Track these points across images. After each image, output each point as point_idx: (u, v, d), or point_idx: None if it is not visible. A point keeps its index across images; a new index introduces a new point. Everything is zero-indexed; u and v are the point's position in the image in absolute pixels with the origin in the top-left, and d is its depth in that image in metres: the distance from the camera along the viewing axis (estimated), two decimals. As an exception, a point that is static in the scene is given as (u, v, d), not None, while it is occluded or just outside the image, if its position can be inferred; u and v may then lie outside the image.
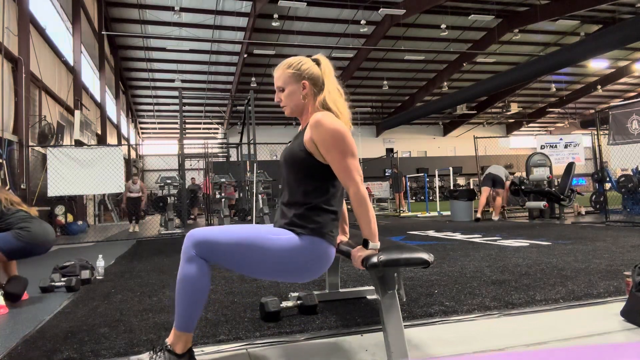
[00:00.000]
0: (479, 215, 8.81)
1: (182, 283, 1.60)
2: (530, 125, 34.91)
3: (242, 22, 17.62)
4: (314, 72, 1.73)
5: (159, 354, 1.62)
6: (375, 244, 1.59)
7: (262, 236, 1.62)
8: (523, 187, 8.91)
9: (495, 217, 8.92)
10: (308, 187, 1.66)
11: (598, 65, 25.05)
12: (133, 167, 21.20)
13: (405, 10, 15.73)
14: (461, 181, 26.33)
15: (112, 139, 19.82)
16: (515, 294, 2.56)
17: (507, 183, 9.09)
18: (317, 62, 1.77)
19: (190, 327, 1.63)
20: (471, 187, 19.48)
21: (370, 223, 1.59)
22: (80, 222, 10.74)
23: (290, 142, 1.81)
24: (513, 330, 2.01)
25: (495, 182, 8.96)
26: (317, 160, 1.63)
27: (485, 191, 9.01)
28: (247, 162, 12.84)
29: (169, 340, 1.64)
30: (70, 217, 10.68)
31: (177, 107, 16.26)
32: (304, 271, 1.65)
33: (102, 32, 15.84)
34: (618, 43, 12.59)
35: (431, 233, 6.77)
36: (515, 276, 3.06)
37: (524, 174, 8.93)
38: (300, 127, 1.86)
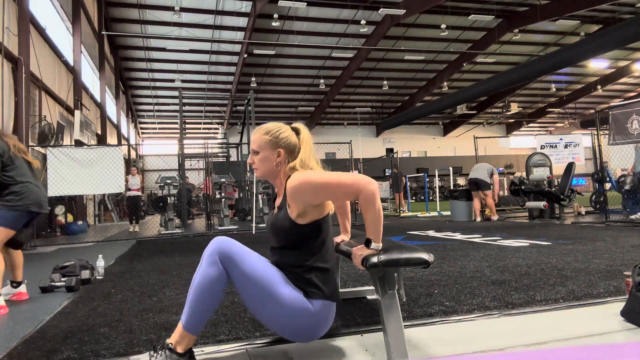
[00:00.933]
0: (478, 218, 8.82)
1: (201, 284, 1.60)
2: (530, 125, 34.93)
3: (242, 22, 17.62)
4: (291, 142, 1.74)
5: (159, 352, 1.62)
6: (378, 244, 1.59)
7: (280, 282, 1.62)
8: (523, 187, 8.91)
9: (494, 217, 8.90)
10: (299, 250, 1.68)
11: (598, 65, 25.06)
12: (133, 167, 21.18)
13: (405, 10, 15.74)
14: (461, 181, 26.34)
15: (112, 139, 19.83)
16: (515, 294, 2.56)
17: (495, 177, 8.97)
18: (297, 132, 1.77)
19: (198, 330, 1.64)
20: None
21: (377, 223, 1.58)
22: (80, 222, 10.74)
23: (273, 211, 1.81)
24: (513, 330, 2.01)
25: (478, 185, 8.89)
26: (302, 225, 1.64)
27: (475, 196, 8.98)
28: (247, 162, 12.82)
29: (170, 340, 1.64)
30: (70, 217, 10.69)
31: (177, 107, 16.27)
32: (311, 333, 1.67)
33: (102, 32, 15.85)
34: (618, 43, 12.59)
35: (431, 233, 6.77)
36: (515, 276, 3.06)
37: (524, 174, 8.92)
38: (277, 197, 1.83)
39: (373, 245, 1.59)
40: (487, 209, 9.03)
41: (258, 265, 1.63)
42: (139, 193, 10.67)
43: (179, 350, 1.61)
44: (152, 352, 1.64)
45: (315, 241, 1.68)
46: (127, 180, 9.95)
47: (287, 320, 1.61)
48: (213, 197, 12.02)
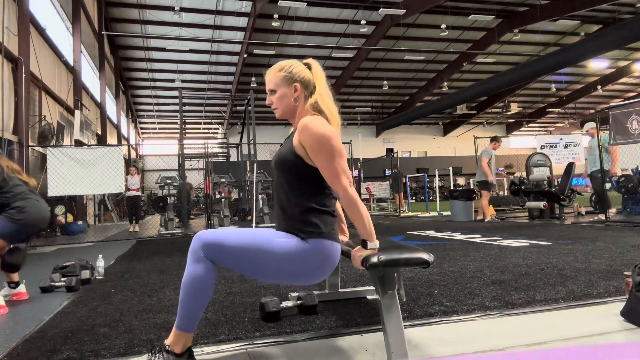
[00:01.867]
0: (488, 218, 8.59)
1: (188, 283, 1.61)
2: (530, 125, 34.94)
3: (242, 22, 17.63)
4: (305, 76, 1.74)
5: (157, 355, 1.62)
6: (374, 243, 1.60)
7: (269, 239, 1.63)
8: (523, 187, 8.90)
9: (487, 218, 8.62)
10: (300, 189, 1.67)
11: (598, 65, 25.06)
12: (132, 167, 21.18)
13: (405, 10, 15.74)
14: (461, 181, 26.35)
15: (112, 139, 19.83)
16: (515, 294, 2.55)
17: (484, 159, 8.57)
18: (309, 66, 1.78)
19: (192, 328, 1.64)
20: (471, 187, 19.48)
21: (365, 223, 1.59)
22: (80, 222, 10.74)
23: (281, 145, 1.82)
24: (513, 330, 2.01)
25: (479, 184, 8.76)
26: (307, 163, 1.64)
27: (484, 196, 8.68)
28: (247, 162, 12.85)
29: (167, 341, 1.64)
30: (70, 217, 10.69)
31: (177, 107, 16.28)
32: (313, 273, 1.67)
33: (102, 32, 15.85)
34: (618, 43, 12.60)
35: (431, 233, 6.77)
36: (515, 276, 3.06)
37: (524, 174, 8.91)
38: (291, 130, 1.87)
39: (370, 245, 1.60)
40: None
41: (241, 235, 1.63)
42: (139, 193, 10.67)
43: (176, 350, 1.61)
44: (149, 355, 1.64)
45: (317, 185, 1.67)
46: (126, 180, 9.94)
47: (289, 268, 1.61)
48: (213, 197, 12.03)
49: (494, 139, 8.84)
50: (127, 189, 10.21)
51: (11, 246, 3.11)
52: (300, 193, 1.67)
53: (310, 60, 1.80)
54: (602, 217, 7.34)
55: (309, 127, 1.60)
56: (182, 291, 1.62)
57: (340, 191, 1.60)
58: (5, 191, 3.03)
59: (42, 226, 3.17)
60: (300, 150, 1.64)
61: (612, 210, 7.88)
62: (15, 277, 3.20)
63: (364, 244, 1.61)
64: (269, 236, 1.65)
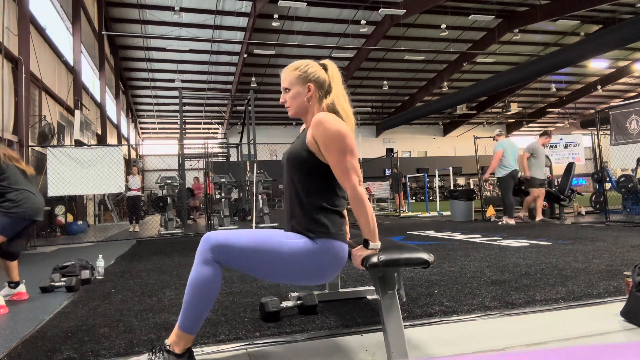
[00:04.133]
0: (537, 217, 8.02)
1: (195, 284, 1.60)
2: (530, 125, 34.93)
3: (242, 22, 17.63)
4: (320, 76, 1.74)
5: (157, 355, 1.62)
6: (376, 243, 1.60)
7: (277, 240, 1.63)
8: (523, 187, 8.88)
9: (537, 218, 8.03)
10: (312, 187, 1.67)
11: (598, 65, 25.06)
12: (133, 166, 21.17)
13: (405, 10, 15.74)
14: (461, 181, 26.34)
15: (112, 139, 19.83)
16: (515, 294, 2.55)
17: (525, 155, 7.86)
18: (325, 67, 1.78)
19: (194, 330, 1.63)
20: (471, 187, 19.49)
21: (370, 223, 1.60)
22: (80, 222, 10.75)
23: (293, 142, 1.82)
24: (513, 330, 2.01)
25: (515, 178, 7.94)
26: (319, 159, 1.64)
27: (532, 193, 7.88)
28: (247, 162, 12.85)
29: (168, 341, 1.64)
30: (70, 217, 10.69)
31: (177, 107, 16.28)
32: (321, 273, 1.67)
33: (102, 32, 15.85)
34: (618, 43, 12.59)
35: (431, 233, 6.77)
36: (515, 276, 3.06)
37: (527, 174, 8.86)
38: (302, 127, 1.87)
39: (371, 245, 1.60)
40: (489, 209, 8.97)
41: (250, 237, 1.63)
42: (139, 193, 10.68)
43: (177, 350, 1.61)
44: (150, 354, 1.64)
45: (327, 183, 1.67)
46: (127, 180, 9.96)
47: (298, 268, 1.61)
48: (213, 196, 12.04)
49: (543, 134, 8.05)
50: (128, 189, 10.22)
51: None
52: (312, 191, 1.67)
53: (327, 61, 1.80)
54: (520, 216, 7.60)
55: (323, 122, 1.61)
56: (188, 292, 1.61)
57: (349, 189, 1.60)
58: (2, 179, 3.01)
59: (38, 218, 3.12)
60: (313, 146, 1.64)
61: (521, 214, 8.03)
62: (16, 277, 3.20)
63: (365, 244, 1.61)
64: (277, 237, 1.65)
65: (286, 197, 1.76)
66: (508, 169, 7.69)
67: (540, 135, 8.18)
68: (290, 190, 1.73)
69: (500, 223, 7.82)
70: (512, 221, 7.61)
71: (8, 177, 3.03)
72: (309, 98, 1.73)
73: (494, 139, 8.26)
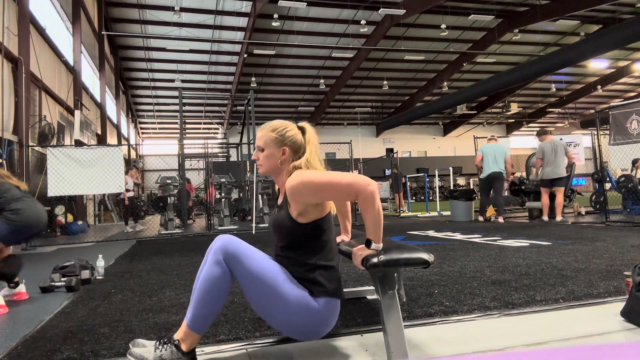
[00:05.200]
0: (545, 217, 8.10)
1: (205, 282, 1.59)
2: (530, 125, 34.95)
3: (242, 22, 17.63)
4: (296, 140, 1.74)
5: (165, 346, 1.62)
6: (378, 245, 1.59)
7: (286, 280, 1.61)
8: (523, 187, 8.90)
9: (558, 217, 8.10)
10: (301, 249, 1.67)
11: (598, 65, 25.07)
12: (133, 166, 21.18)
13: (405, 10, 15.75)
14: (461, 181, 26.35)
15: (112, 139, 19.83)
16: (515, 294, 2.55)
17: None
18: (303, 130, 1.78)
19: (202, 329, 1.63)
20: (471, 187, 19.49)
21: (376, 223, 1.57)
22: (80, 222, 10.75)
23: (275, 210, 1.82)
24: (513, 330, 2.01)
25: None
26: (303, 223, 1.64)
27: (544, 193, 7.90)
28: (247, 162, 12.85)
29: (177, 336, 1.64)
30: (70, 217, 10.69)
31: (177, 107, 16.28)
32: (318, 331, 1.67)
33: (102, 32, 15.85)
34: (618, 43, 12.60)
35: (431, 233, 6.77)
36: (515, 276, 3.06)
37: (524, 174, 8.91)
38: (279, 196, 1.85)
39: (373, 245, 1.59)
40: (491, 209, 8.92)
41: (263, 264, 1.62)
42: (132, 194, 10.61)
43: (184, 348, 1.61)
44: (157, 344, 1.64)
45: (317, 240, 1.67)
46: (126, 182, 9.97)
47: (292, 319, 1.60)
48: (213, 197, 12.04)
49: (539, 133, 8.14)
50: (127, 190, 10.22)
51: (7, 255, 3.12)
52: (302, 253, 1.67)
53: (305, 124, 1.80)
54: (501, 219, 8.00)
55: (295, 184, 1.60)
56: (198, 290, 1.60)
57: (358, 195, 1.55)
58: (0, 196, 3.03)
59: (40, 228, 3.15)
60: (295, 212, 1.64)
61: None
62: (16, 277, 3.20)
63: (367, 244, 1.60)
64: (284, 276, 1.62)
65: (278, 253, 1.74)
66: (485, 172, 8.20)
67: (538, 135, 8.20)
68: (281, 252, 1.72)
69: (480, 218, 8.43)
70: (481, 218, 8.37)
71: (4, 193, 3.05)
72: (282, 161, 1.73)
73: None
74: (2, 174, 3.18)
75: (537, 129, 34.79)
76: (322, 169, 1.74)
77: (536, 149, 8.05)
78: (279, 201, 1.80)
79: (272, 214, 1.85)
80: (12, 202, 3.02)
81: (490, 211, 9.10)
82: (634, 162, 8.60)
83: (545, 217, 7.88)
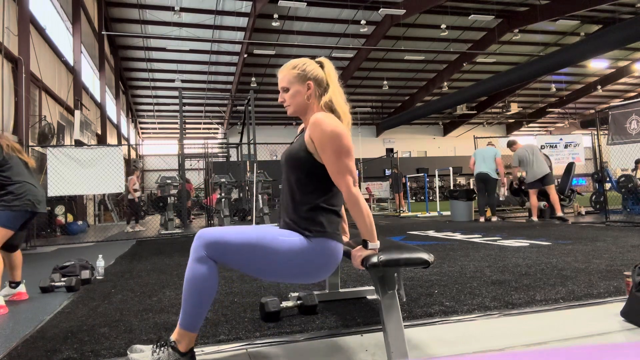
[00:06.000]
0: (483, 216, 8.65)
1: (190, 282, 1.60)
2: (530, 125, 34.95)
3: (242, 22, 17.63)
4: (318, 74, 1.75)
5: (162, 349, 1.62)
6: (375, 243, 1.59)
7: (273, 237, 1.62)
8: (523, 187, 8.89)
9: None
10: (309, 187, 1.67)
11: (598, 65, 25.06)
12: (133, 166, 21.19)
13: (405, 10, 15.74)
14: (461, 181, 26.34)
15: (112, 139, 19.83)
16: (515, 294, 2.55)
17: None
18: (321, 65, 1.79)
19: (195, 327, 1.63)
20: (471, 187, 19.48)
21: (367, 223, 1.60)
22: (80, 222, 10.74)
23: (292, 142, 1.82)
24: (513, 330, 2.01)
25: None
26: (317, 160, 1.65)
27: (533, 194, 8.06)
28: (247, 162, 12.84)
29: (173, 337, 1.64)
30: (70, 217, 10.69)
31: (177, 107, 16.28)
32: (316, 272, 1.67)
33: (102, 32, 15.85)
34: (618, 43, 12.58)
35: (431, 233, 6.77)
36: (515, 276, 3.06)
37: (524, 174, 8.89)
38: (300, 127, 1.87)
39: (370, 245, 1.60)
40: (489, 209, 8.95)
41: (245, 232, 1.62)
42: (138, 194, 10.81)
43: (181, 349, 1.61)
44: (154, 348, 1.64)
45: (326, 182, 1.67)
46: (134, 182, 10.24)
47: (291, 267, 1.61)
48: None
49: (509, 145, 8.56)
50: (135, 190, 10.48)
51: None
52: (309, 191, 1.67)
53: (322, 59, 1.81)
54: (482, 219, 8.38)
55: (320, 122, 1.61)
56: (185, 290, 1.61)
57: (343, 188, 1.61)
58: (4, 170, 3.00)
59: (40, 210, 3.12)
60: (310, 146, 1.64)
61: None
62: (18, 277, 3.20)
63: (364, 244, 1.61)
64: (272, 234, 1.64)
65: (283, 193, 1.76)
66: (475, 173, 8.68)
67: (509, 146, 8.58)
68: (287, 188, 1.73)
69: (481, 219, 8.67)
70: (482, 219, 8.68)
71: (11, 168, 3.03)
72: (308, 96, 1.73)
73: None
74: (14, 147, 3.14)
75: (537, 128, 34.50)
76: (345, 104, 1.76)
77: (512, 159, 8.39)
78: (299, 136, 1.79)
79: (287, 147, 1.84)
80: (13, 182, 2.99)
81: (489, 211, 9.12)
82: (637, 162, 8.62)
83: (534, 218, 8.01)
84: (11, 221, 2.96)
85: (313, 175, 1.67)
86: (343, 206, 2.19)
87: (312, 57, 1.83)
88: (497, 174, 8.56)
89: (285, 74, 1.76)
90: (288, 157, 1.73)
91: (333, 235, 1.66)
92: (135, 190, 10.60)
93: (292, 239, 1.62)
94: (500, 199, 9.25)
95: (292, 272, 1.63)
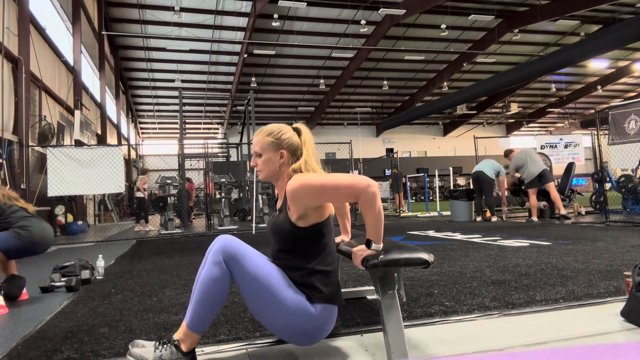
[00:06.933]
0: (480, 217, 8.76)
1: (205, 284, 1.59)
2: (530, 125, 34.97)
3: (242, 22, 17.63)
4: (292, 142, 1.73)
5: (165, 346, 1.62)
6: (378, 245, 1.58)
7: (284, 285, 1.60)
8: (523, 187, 8.88)
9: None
10: (300, 253, 1.67)
11: (598, 65, 25.07)
12: (134, 167, 21.22)
13: (405, 10, 15.75)
14: (461, 181, 26.34)
15: (112, 139, 19.83)
16: (515, 294, 2.55)
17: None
18: (298, 132, 1.77)
19: (201, 330, 1.63)
20: (471, 187, 19.47)
21: (376, 224, 1.57)
22: (80, 222, 10.74)
23: (274, 214, 1.81)
24: (513, 330, 2.01)
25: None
26: (302, 227, 1.64)
27: (532, 194, 8.17)
28: (247, 162, 12.84)
29: (176, 336, 1.64)
30: (70, 217, 10.69)
31: (177, 107, 16.28)
32: (315, 336, 1.66)
33: (102, 32, 15.85)
34: (618, 43, 12.58)
35: (431, 233, 6.77)
36: (515, 276, 3.06)
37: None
38: (278, 199, 1.84)
39: (374, 246, 1.58)
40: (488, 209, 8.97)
41: (262, 266, 1.62)
42: (145, 194, 11.09)
43: (184, 348, 1.61)
44: (157, 344, 1.64)
45: (317, 244, 1.67)
46: (144, 182, 10.49)
47: (288, 323, 1.60)
48: (213, 196, 12.06)
49: (506, 155, 8.78)
50: (145, 190, 10.79)
51: (11, 275, 3.12)
52: (301, 256, 1.66)
53: (300, 125, 1.79)
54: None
55: (295, 188, 1.59)
56: (198, 290, 1.60)
57: (359, 196, 1.54)
58: (6, 216, 3.06)
59: (46, 246, 3.18)
60: (295, 216, 1.63)
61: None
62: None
63: (368, 244, 1.59)
64: (283, 280, 1.62)
65: (277, 256, 1.73)
66: (472, 172, 8.90)
67: (506, 156, 8.74)
68: (279, 256, 1.72)
69: (478, 219, 8.81)
70: (479, 218, 8.87)
71: (12, 214, 3.09)
72: (280, 164, 1.72)
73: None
74: (10, 196, 3.22)
75: (537, 128, 34.54)
76: (321, 170, 1.73)
77: (509, 168, 8.56)
78: (279, 205, 1.79)
79: (271, 217, 1.84)
80: (20, 220, 3.06)
81: (488, 212, 9.14)
82: None
83: (534, 218, 8.04)
84: (12, 248, 3.00)
85: (301, 244, 1.66)
86: (347, 204, 2.20)
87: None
88: (497, 175, 8.63)
89: (259, 139, 1.74)
90: (274, 228, 1.73)
91: (332, 298, 1.65)
92: (145, 190, 10.82)
93: (299, 297, 1.60)
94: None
95: (289, 328, 1.61)
